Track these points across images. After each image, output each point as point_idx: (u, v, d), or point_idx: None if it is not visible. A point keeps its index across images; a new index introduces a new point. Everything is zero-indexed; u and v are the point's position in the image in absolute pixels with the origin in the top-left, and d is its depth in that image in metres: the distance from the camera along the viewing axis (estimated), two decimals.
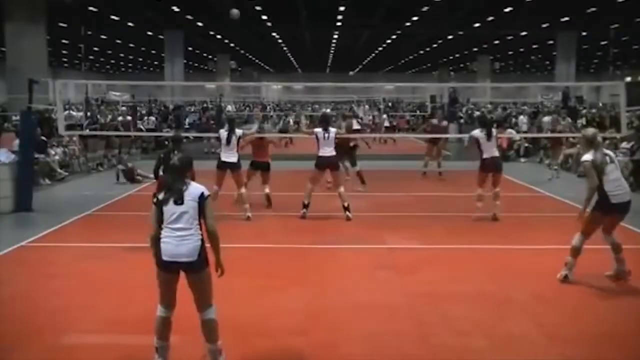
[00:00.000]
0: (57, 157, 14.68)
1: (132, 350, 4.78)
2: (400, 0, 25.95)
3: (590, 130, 6.71)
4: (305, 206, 9.64)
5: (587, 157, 6.29)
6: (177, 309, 4.37)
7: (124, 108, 28.61)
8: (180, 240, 4.21)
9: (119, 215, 10.17)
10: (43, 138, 14.18)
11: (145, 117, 24.54)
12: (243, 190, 9.62)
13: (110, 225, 9.34)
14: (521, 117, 24.62)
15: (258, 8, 28.25)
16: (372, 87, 51.29)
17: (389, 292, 6.21)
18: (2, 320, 5.37)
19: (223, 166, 9.58)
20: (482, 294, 6.11)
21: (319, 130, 9.71)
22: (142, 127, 22.54)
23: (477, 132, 9.71)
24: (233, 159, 9.51)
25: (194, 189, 4.32)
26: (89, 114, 21.66)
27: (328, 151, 9.57)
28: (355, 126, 16.09)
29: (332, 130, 9.74)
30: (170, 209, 4.25)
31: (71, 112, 22.84)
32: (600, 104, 39.89)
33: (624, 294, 6.18)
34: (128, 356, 4.72)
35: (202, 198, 4.29)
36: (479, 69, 46.02)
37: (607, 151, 6.62)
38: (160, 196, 4.32)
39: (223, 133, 9.67)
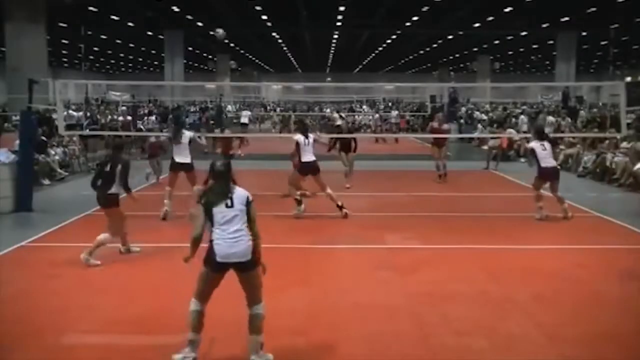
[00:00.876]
0: (57, 157, 14.66)
1: (132, 350, 4.78)
2: (400, 0, 25.96)
3: None
4: (299, 202, 9.75)
5: None
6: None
7: (124, 108, 28.65)
8: (233, 241, 4.39)
9: None
10: (43, 138, 14.17)
11: (146, 117, 24.56)
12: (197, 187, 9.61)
13: None
14: (522, 116, 24.59)
15: (258, 8, 28.28)
16: (372, 87, 51.23)
17: (389, 292, 6.21)
18: (2, 320, 5.36)
19: (177, 167, 9.65)
20: (482, 294, 6.10)
21: (299, 137, 9.84)
22: (142, 127, 22.54)
23: (533, 143, 9.97)
24: (186, 159, 9.60)
25: (242, 192, 4.53)
26: (89, 114, 21.66)
27: (310, 157, 9.79)
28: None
29: (311, 136, 10.02)
30: (220, 211, 4.43)
31: (70, 111, 22.85)
32: (601, 104, 39.90)
33: (624, 294, 6.17)
34: (128, 356, 4.71)
35: (248, 202, 4.50)
36: (479, 69, 46.05)
37: None
38: (207, 198, 4.47)
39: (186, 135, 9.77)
